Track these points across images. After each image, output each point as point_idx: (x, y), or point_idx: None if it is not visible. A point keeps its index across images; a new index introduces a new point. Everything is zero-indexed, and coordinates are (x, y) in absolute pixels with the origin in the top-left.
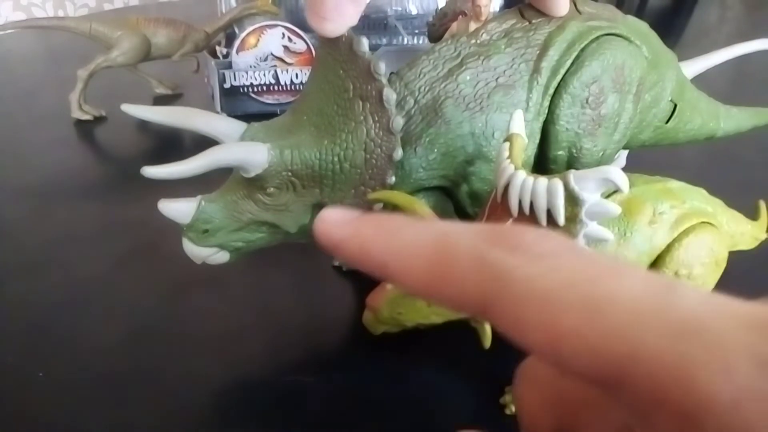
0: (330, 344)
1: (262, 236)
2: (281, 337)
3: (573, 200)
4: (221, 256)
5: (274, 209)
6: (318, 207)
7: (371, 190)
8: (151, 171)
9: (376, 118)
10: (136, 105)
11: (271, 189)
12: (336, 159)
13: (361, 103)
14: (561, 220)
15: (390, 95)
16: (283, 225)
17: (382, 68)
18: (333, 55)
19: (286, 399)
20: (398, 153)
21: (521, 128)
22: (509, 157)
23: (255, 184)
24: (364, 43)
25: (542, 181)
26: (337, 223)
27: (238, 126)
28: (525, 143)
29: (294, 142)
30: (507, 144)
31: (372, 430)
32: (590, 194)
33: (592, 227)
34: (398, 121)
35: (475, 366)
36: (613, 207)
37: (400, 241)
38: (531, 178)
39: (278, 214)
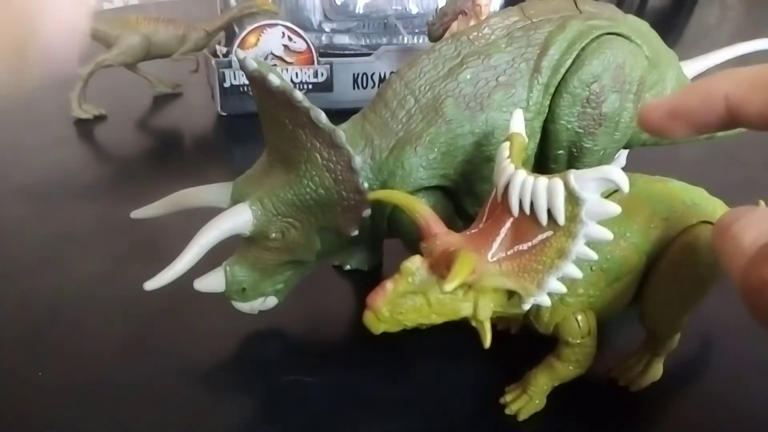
0: (330, 344)
1: (293, 272)
2: (281, 337)
3: (573, 200)
4: (270, 302)
5: (287, 249)
6: (324, 230)
7: (354, 201)
8: (152, 284)
9: (320, 140)
10: (141, 209)
11: (274, 235)
12: (308, 190)
13: (300, 131)
14: (561, 219)
15: (317, 114)
16: (302, 258)
17: (299, 95)
18: (260, 95)
19: (286, 399)
20: (355, 160)
21: (521, 127)
22: (509, 156)
23: (258, 237)
24: (274, 78)
25: (542, 180)
26: (664, 100)
27: (225, 189)
28: (525, 142)
29: (269, 189)
30: (507, 143)
31: (372, 430)
32: (590, 194)
33: (592, 227)
34: (338, 134)
35: (475, 366)
36: (614, 207)
37: (738, 74)
38: (531, 178)
39: (293, 252)
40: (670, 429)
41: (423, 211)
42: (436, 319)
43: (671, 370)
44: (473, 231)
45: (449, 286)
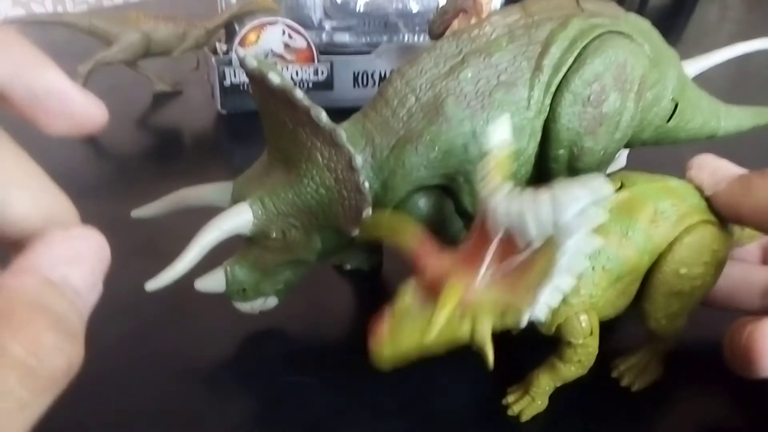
0: (330, 344)
1: (294, 272)
2: (281, 337)
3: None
4: (270, 302)
5: (288, 249)
6: (324, 230)
7: (355, 200)
8: (153, 284)
9: (320, 138)
10: (141, 208)
11: (274, 235)
12: (309, 189)
13: (301, 130)
14: (543, 235)
15: (318, 113)
16: (303, 258)
17: (299, 94)
18: (260, 93)
19: (286, 399)
20: (356, 159)
21: (506, 137)
22: (488, 174)
23: (259, 237)
24: (274, 77)
25: (515, 203)
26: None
27: (226, 188)
28: (509, 154)
29: (269, 188)
30: (488, 158)
31: (372, 430)
32: (574, 205)
33: (574, 239)
34: (338, 133)
35: (477, 366)
36: (598, 214)
37: None
38: (505, 202)
39: (294, 251)
40: (672, 428)
41: (411, 237)
42: (440, 346)
43: (673, 369)
44: (464, 247)
45: (432, 332)
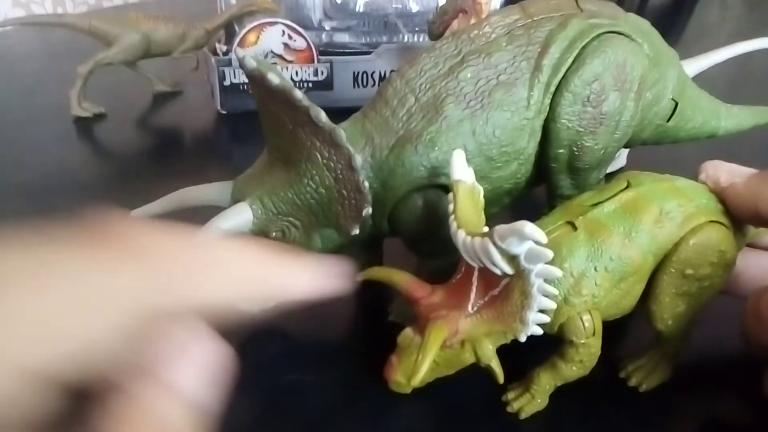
0: (330, 343)
1: None
2: (281, 336)
3: (507, 253)
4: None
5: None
6: (324, 229)
7: (355, 200)
8: None
9: (320, 138)
10: (141, 208)
11: (274, 234)
12: (308, 189)
13: (300, 130)
14: (507, 271)
15: (317, 113)
16: None
17: (299, 94)
18: (260, 94)
19: (286, 398)
20: (355, 159)
21: (464, 171)
22: (453, 212)
23: (259, 237)
24: (273, 77)
25: (476, 241)
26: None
27: (226, 187)
28: (471, 187)
29: (269, 188)
30: (451, 195)
31: (373, 429)
32: (517, 248)
33: (539, 268)
34: (338, 133)
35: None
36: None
37: None
38: (468, 239)
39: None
40: (675, 429)
41: (402, 280)
42: (450, 371)
43: (680, 369)
44: (453, 282)
45: (418, 375)
